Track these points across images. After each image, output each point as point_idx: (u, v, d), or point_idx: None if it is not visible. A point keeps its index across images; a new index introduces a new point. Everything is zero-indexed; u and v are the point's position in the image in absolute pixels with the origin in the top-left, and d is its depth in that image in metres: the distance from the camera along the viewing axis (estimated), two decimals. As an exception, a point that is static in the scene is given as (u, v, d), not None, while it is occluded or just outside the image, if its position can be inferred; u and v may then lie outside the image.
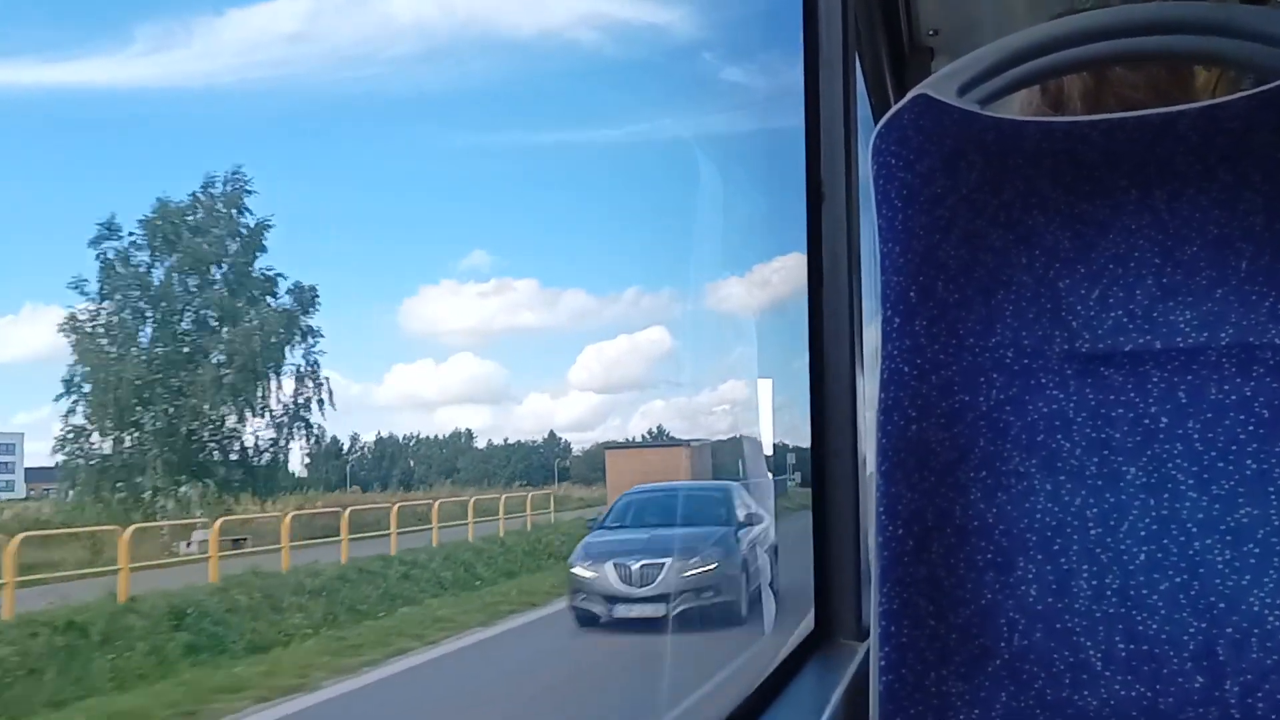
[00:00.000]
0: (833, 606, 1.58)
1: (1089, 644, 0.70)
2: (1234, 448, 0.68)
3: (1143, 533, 0.69)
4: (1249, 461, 0.68)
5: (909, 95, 0.72)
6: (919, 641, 0.72)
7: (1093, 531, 0.70)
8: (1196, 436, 0.69)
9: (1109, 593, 0.70)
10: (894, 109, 0.73)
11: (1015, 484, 0.72)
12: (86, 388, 12.49)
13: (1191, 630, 0.68)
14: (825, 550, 1.58)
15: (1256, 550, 0.67)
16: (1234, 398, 0.69)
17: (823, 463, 1.59)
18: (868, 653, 0.75)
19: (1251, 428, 0.68)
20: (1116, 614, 0.69)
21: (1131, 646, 0.69)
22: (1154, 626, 0.69)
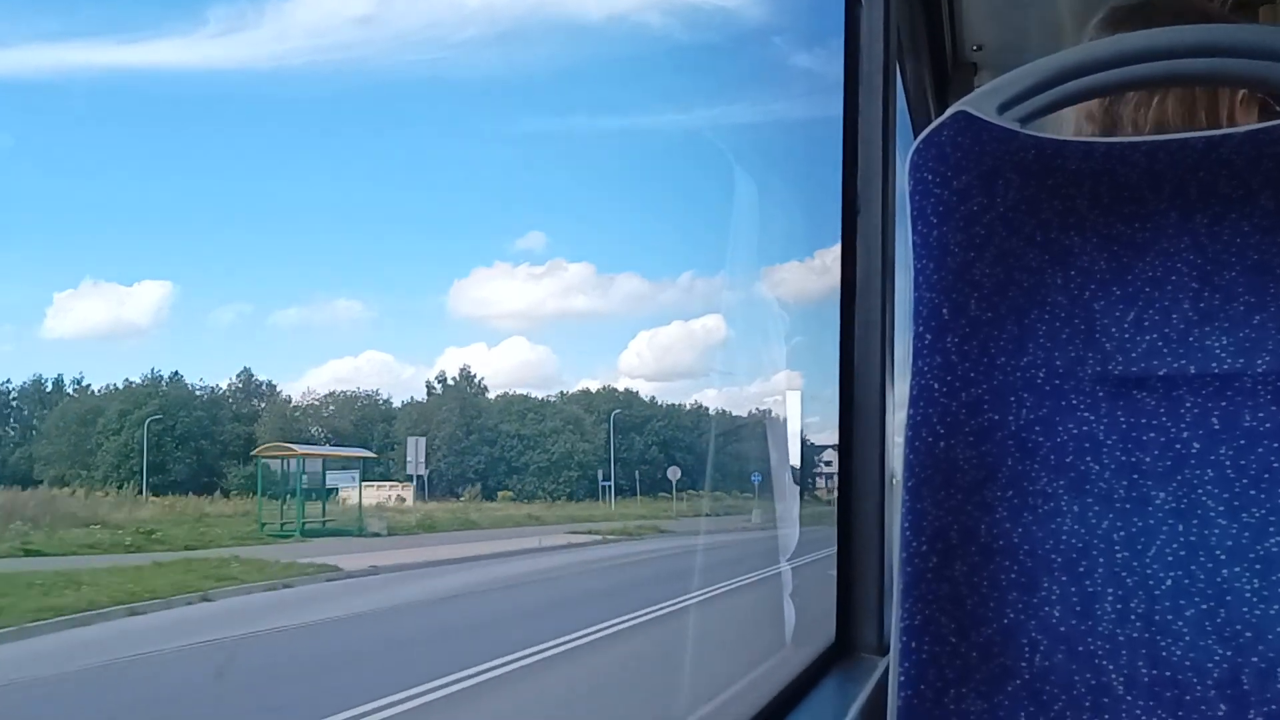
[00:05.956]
0: (854, 619, 1.57)
1: (1111, 668, 0.69)
2: (1266, 476, 0.68)
3: (1170, 558, 0.69)
4: None
5: (948, 111, 0.72)
6: (940, 658, 0.72)
7: (1119, 555, 0.70)
8: (1228, 463, 0.69)
9: (1133, 617, 0.69)
10: (933, 125, 0.73)
11: (1042, 505, 0.72)
12: None
13: (1216, 658, 0.67)
14: (849, 562, 1.58)
15: None
16: (1268, 425, 0.68)
17: (849, 475, 1.59)
18: (888, 667, 0.75)
19: None
20: (1140, 639, 0.69)
21: (1155, 672, 0.68)
22: (1178, 653, 0.68)
